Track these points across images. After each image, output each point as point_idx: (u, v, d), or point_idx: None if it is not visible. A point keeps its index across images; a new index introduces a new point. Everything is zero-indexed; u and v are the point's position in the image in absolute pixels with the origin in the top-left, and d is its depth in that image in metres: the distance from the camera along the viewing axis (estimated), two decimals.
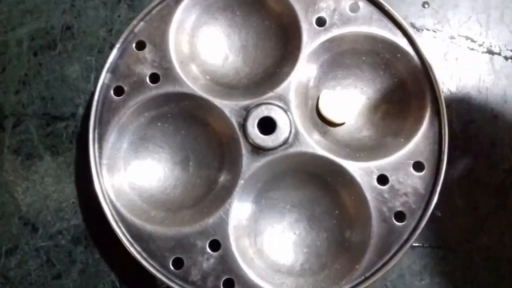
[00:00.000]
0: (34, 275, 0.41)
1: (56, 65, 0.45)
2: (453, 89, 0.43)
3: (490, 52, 0.43)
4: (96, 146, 0.39)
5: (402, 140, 0.38)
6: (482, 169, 0.42)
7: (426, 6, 0.44)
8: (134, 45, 0.40)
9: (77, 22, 0.45)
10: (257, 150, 0.38)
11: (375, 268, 0.36)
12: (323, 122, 0.41)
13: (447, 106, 0.39)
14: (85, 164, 0.39)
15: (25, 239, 0.42)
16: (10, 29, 0.45)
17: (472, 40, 0.44)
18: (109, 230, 0.37)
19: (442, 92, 0.38)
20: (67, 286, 0.41)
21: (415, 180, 0.37)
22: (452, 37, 0.44)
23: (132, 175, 0.40)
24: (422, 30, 0.44)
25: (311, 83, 0.41)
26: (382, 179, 0.37)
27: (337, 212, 0.39)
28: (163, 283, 0.37)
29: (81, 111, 0.44)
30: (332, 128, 0.41)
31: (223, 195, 0.38)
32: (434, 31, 0.44)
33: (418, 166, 0.37)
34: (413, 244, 0.36)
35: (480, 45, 0.44)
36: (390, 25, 0.40)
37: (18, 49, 0.45)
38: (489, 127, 0.42)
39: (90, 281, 0.41)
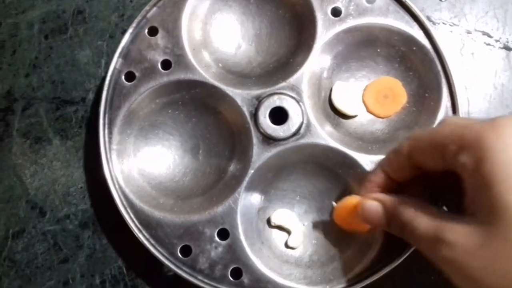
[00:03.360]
0: (41, 259, 0.41)
1: (67, 49, 0.44)
2: (468, 84, 0.43)
3: (507, 48, 0.43)
4: (106, 131, 0.39)
5: None
6: None
7: None
8: (146, 30, 0.40)
9: (89, 6, 0.45)
10: (268, 140, 0.38)
11: (384, 260, 0.36)
12: (336, 114, 0.41)
13: (462, 102, 0.39)
14: (94, 149, 0.39)
15: (33, 223, 0.42)
16: (21, 12, 0.45)
17: (489, 36, 0.43)
18: (117, 216, 0.37)
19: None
20: (74, 270, 0.41)
21: None
22: (468, 32, 0.43)
23: (142, 161, 0.40)
24: (439, 23, 0.44)
25: (325, 74, 0.40)
26: None
27: None
28: (170, 270, 0.36)
29: (91, 95, 0.43)
30: (344, 120, 0.41)
31: (233, 184, 0.38)
32: (451, 25, 0.43)
33: None
34: None
35: (496, 41, 0.43)
36: (407, 17, 0.39)
37: (29, 32, 0.45)
38: None
39: (97, 266, 0.41)
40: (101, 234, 0.41)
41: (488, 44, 0.43)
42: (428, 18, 0.44)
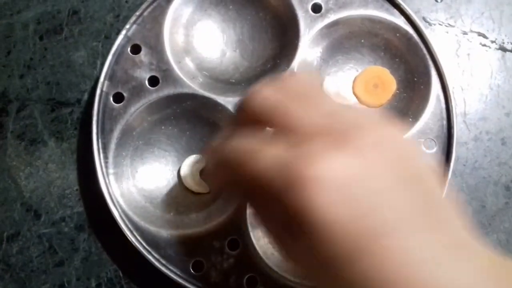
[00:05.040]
0: (36, 262, 0.40)
1: (62, 49, 0.44)
2: (464, 85, 0.43)
3: (503, 48, 0.43)
4: (102, 156, 0.38)
5: (410, 119, 0.38)
6: (491, 167, 0.41)
7: (439, 0, 0.43)
8: (129, 49, 0.39)
9: (84, 6, 0.44)
10: None
11: None
12: None
13: (458, 103, 0.39)
14: (89, 151, 0.38)
15: (28, 225, 0.41)
16: (15, 12, 0.44)
17: (485, 36, 0.43)
18: (112, 219, 0.37)
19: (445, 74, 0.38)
20: (69, 273, 0.40)
21: (427, 158, 0.37)
22: (464, 33, 0.43)
23: (141, 181, 0.39)
24: (435, 24, 0.43)
25: (313, 71, 0.40)
26: None
27: None
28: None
29: (86, 97, 0.43)
30: None
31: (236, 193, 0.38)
32: (447, 26, 0.43)
33: (429, 144, 0.37)
34: None
35: (492, 42, 0.43)
36: (387, 5, 0.39)
37: (24, 32, 0.44)
38: (500, 124, 0.42)
39: (93, 269, 0.40)
40: (96, 237, 0.40)
41: (484, 45, 0.43)
42: (424, 19, 0.43)
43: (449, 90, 0.38)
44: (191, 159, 0.39)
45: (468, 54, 0.43)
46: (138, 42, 0.39)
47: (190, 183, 0.39)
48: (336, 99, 0.40)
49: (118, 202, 0.37)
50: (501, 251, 0.40)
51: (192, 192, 0.39)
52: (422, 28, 0.39)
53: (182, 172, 0.39)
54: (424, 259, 0.18)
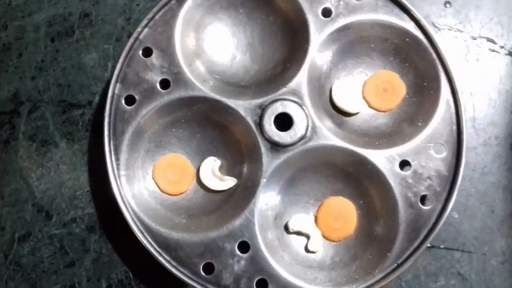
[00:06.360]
0: (47, 263, 0.40)
1: (73, 52, 0.44)
2: (473, 90, 0.43)
3: (511, 54, 0.43)
4: (113, 158, 0.38)
5: (420, 124, 0.38)
6: (500, 172, 0.42)
7: (448, 5, 0.44)
8: (140, 52, 0.39)
9: (95, 9, 0.45)
10: (276, 147, 0.38)
11: (407, 254, 0.36)
12: (338, 113, 0.41)
13: (467, 108, 0.39)
14: (100, 153, 0.38)
15: (39, 226, 0.41)
16: (27, 14, 0.45)
17: (493, 42, 0.44)
18: (123, 220, 0.37)
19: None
20: (80, 274, 0.40)
21: (437, 162, 0.37)
22: (473, 38, 0.44)
23: (152, 183, 0.40)
24: (444, 29, 0.44)
25: (323, 75, 0.41)
26: (405, 165, 0.37)
27: (361, 202, 0.39)
28: None
29: (97, 99, 0.43)
30: (348, 118, 0.41)
31: (247, 196, 0.38)
32: (456, 31, 0.44)
33: (438, 149, 0.37)
34: (429, 245, 0.36)
35: (501, 47, 0.44)
36: (397, 10, 0.40)
37: (35, 34, 0.44)
38: (509, 129, 0.42)
39: (103, 270, 0.40)
40: (107, 238, 0.41)
41: (493, 51, 0.43)
42: (433, 24, 0.44)
43: (458, 95, 0.38)
44: (208, 161, 0.39)
45: (477, 59, 0.43)
46: (149, 45, 0.39)
47: (214, 183, 0.39)
48: (346, 103, 0.40)
49: (129, 203, 0.37)
50: (510, 256, 0.40)
51: (213, 191, 0.39)
52: (432, 33, 0.39)
53: (205, 176, 0.39)
54: None
